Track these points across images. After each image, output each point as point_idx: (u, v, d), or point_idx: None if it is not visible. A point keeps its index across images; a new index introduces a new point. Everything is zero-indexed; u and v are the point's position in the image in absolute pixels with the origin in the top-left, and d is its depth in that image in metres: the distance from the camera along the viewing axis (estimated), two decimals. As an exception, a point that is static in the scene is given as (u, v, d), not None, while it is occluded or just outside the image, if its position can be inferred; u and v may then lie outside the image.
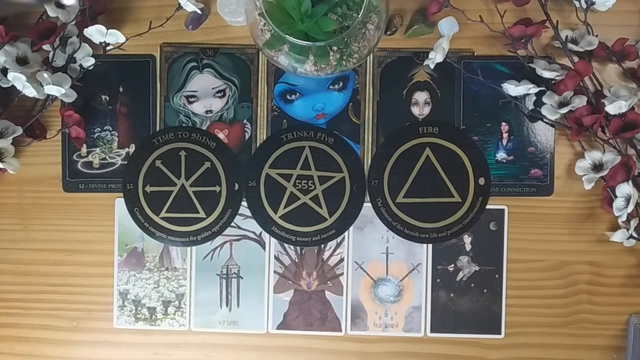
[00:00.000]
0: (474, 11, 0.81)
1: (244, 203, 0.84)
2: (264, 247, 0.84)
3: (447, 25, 0.81)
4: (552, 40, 0.81)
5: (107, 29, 0.77)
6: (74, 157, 0.84)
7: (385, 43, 0.82)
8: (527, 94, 0.81)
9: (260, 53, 0.82)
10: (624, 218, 0.79)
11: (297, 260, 0.84)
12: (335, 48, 0.71)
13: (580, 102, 0.78)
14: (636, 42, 0.81)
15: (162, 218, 0.84)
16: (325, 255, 0.84)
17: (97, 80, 0.83)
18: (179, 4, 0.78)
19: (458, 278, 0.83)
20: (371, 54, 0.81)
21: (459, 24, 0.81)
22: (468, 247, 0.83)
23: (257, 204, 0.83)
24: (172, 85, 0.83)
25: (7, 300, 0.85)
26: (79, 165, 0.84)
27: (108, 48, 0.80)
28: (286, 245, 0.84)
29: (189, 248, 0.84)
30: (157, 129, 0.84)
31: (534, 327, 0.84)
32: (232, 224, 0.84)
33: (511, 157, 0.83)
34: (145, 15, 0.82)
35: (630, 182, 0.78)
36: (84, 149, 0.84)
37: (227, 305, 0.84)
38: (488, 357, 0.84)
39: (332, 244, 0.84)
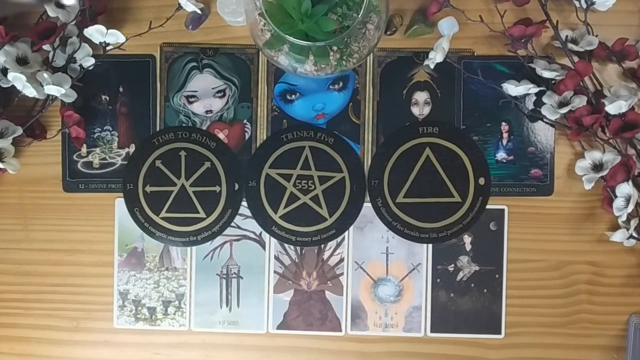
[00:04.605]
0: (474, 11, 0.81)
1: (244, 203, 0.84)
2: (264, 247, 0.84)
3: (447, 25, 0.81)
4: (552, 40, 0.81)
5: (107, 29, 0.77)
6: (74, 157, 0.84)
7: (385, 43, 0.82)
8: (527, 94, 0.81)
9: (260, 53, 0.82)
10: (624, 218, 0.79)
11: (297, 260, 0.84)
12: (335, 48, 0.71)
13: (580, 102, 0.78)
14: (636, 42, 0.81)
15: (162, 218, 0.84)
16: (325, 255, 0.84)
17: (97, 80, 0.83)
18: (179, 4, 0.78)
19: (458, 278, 0.83)
20: (371, 54, 0.81)
21: (459, 24, 0.81)
22: (468, 247, 0.83)
23: (257, 204, 0.83)
24: (172, 85, 0.83)
25: (7, 300, 0.85)
26: (79, 165, 0.84)
27: (108, 48, 0.80)
28: (286, 245, 0.84)
29: (189, 248, 0.84)
30: (157, 129, 0.84)
31: (534, 327, 0.84)
32: (232, 224, 0.84)
33: (511, 157, 0.83)
34: (145, 15, 0.82)
35: (630, 182, 0.78)
36: (84, 149, 0.84)
37: (227, 305, 0.84)
38: (488, 357, 0.84)
39: (332, 244, 0.84)
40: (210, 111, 0.83)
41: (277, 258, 0.84)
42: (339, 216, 0.83)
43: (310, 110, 0.83)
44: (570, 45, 0.79)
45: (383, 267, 0.84)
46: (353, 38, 0.71)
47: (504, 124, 0.83)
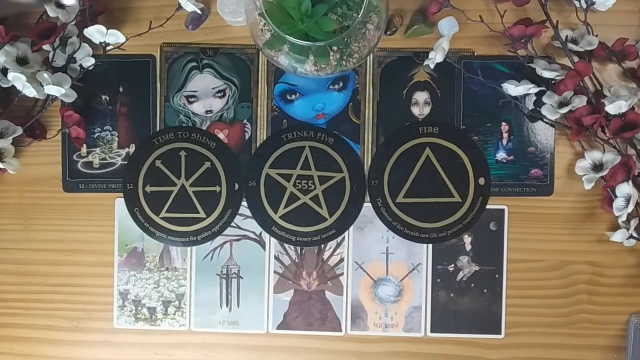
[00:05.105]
0: (474, 11, 0.81)
1: (244, 203, 0.84)
2: (264, 247, 0.84)
3: (447, 25, 0.81)
4: (552, 40, 0.81)
5: (107, 29, 0.77)
6: (74, 157, 0.84)
7: (385, 43, 0.82)
8: (527, 94, 0.81)
9: (260, 53, 0.82)
10: (624, 218, 0.79)
11: (297, 260, 0.84)
12: (335, 48, 0.71)
13: (580, 102, 0.78)
14: (636, 42, 0.81)
15: (162, 218, 0.84)
16: (325, 255, 0.84)
17: (97, 80, 0.83)
18: (179, 4, 0.78)
19: (458, 278, 0.83)
20: (371, 54, 0.81)
21: (459, 24, 0.81)
22: (468, 247, 0.83)
23: (257, 204, 0.83)
24: (172, 85, 0.83)
25: (7, 300, 0.85)
26: (79, 165, 0.84)
27: (108, 48, 0.80)
28: (286, 245, 0.84)
29: (189, 248, 0.84)
30: (157, 129, 0.84)
31: (534, 327, 0.84)
32: (232, 224, 0.84)
33: (511, 157, 0.83)
34: (145, 15, 0.82)
35: (630, 182, 0.78)
36: (84, 149, 0.84)
37: (227, 305, 0.84)
38: (488, 357, 0.84)
39: (332, 244, 0.84)
40: (210, 111, 0.83)
41: (277, 258, 0.84)
42: (339, 216, 0.83)
43: (310, 110, 0.83)
44: (570, 45, 0.79)
45: (383, 267, 0.84)
46: (353, 38, 0.71)
47: (504, 124, 0.83)
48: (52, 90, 0.77)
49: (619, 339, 0.83)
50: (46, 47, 0.78)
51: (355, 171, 0.83)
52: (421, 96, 0.83)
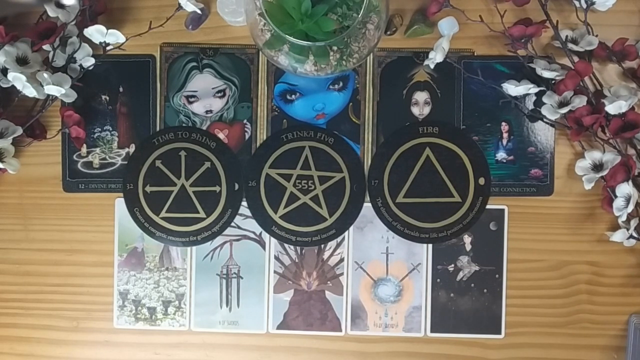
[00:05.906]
0: (474, 11, 0.81)
1: (244, 203, 0.84)
2: (264, 247, 0.84)
3: (447, 25, 0.81)
4: (552, 40, 0.81)
5: (107, 29, 0.77)
6: (74, 157, 0.84)
7: (385, 43, 0.82)
8: (527, 94, 0.81)
9: (260, 53, 0.82)
10: (624, 218, 0.79)
11: (297, 260, 0.84)
12: (335, 48, 0.71)
13: (580, 102, 0.78)
14: (636, 42, 0.81)
15: (162, 218, 0.84)
16: (325, 255, 0.84)
17: (97, 80, 0.83)
18: (179, 4, 0.78)
19: (458, 278, 0.83)
20: (371, 54, 0.81)
21: (459, 24, 0.81)
22: (468, 247, 0.83)
23: (257, 204, 0.83)
24: (172, 85, 0.83)
25: (7, 300, 0.85)
26: (79, 165, 0.84)
27: (108, 48, 0.80)
28: (286, 245, 0.84)
29: (189, 248, 0.84)
30: (157, 129, 0.84)
31: (534, 327, 0.84)
32: (232, 224, 0.84)
33: (511, 157, 0.83)
34: (145, 15, 0.82)
35: (630, 182, 0.78)
36: (84, 149, 0.84)
37: (227, 305, 0.84)
38: (488, 357, 0.84)
39: (332, 244, 0.84)
40: (210, 111, 0.83)
41: (277, 258, 0.84)
42: (339, 216, 0.83)
43: (310, 110, 0.83)
44: (570, 45, 0.79)
45: (383, 267, 0.84)
46: (353, 38, 0.71)
47: (504, 124, 0.83)
48: (52, 90, 0.77)
49: (619, 339, 0.83)
50: (46, 47, 0.78)
51: (355, 171, 0.83)
52: (421, 96, 0.83)
